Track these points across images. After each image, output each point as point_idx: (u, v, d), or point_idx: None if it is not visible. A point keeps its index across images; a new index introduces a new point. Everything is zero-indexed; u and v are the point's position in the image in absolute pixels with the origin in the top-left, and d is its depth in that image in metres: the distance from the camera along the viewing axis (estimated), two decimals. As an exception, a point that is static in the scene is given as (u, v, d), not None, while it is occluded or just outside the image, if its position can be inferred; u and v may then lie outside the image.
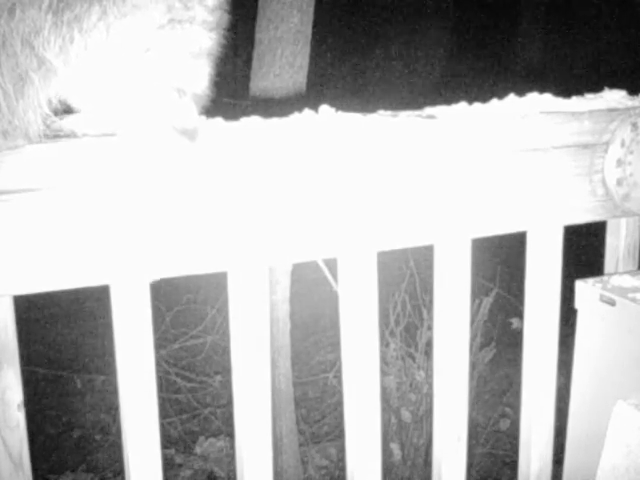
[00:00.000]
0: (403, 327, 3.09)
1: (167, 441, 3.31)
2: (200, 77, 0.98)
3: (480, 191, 1.25)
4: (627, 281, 1.33)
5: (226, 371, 3.35)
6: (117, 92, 0.97)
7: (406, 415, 2.97)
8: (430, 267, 1.31)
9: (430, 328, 2.83)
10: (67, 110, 1.00)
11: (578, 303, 1.35)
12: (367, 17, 8.60)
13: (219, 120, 1.08)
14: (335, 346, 3.61)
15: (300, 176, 1.12)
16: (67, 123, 1.00)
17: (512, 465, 2.98)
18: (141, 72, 0.95)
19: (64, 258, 0.99)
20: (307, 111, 1.18)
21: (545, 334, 1.38)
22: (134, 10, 0.92)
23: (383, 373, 2.93)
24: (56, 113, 0.98)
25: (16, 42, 0.88)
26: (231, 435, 3.00)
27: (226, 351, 1.22)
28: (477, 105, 1.30)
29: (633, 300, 1.25)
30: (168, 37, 0.95)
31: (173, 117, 0.96)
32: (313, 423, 3.60)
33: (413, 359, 3.03)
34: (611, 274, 1.39)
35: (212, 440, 3.35)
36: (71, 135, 0.99)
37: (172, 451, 3.31)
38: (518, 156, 1.26)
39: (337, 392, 3.54)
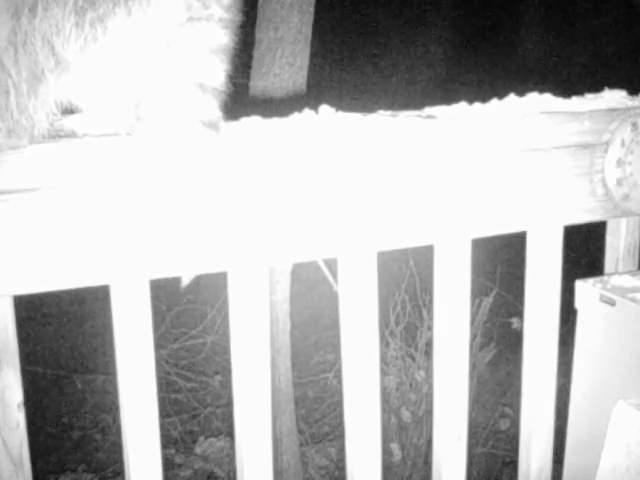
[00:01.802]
0: (403, 327, 3.09)
1: (167, 441, 3.31)
2: (218, 72, 1.01)
3: (480, 191, 1.25)
4: (627, 281, 1.33)
5: (226, 371, 3.35)
6: (137, 89, 0.99)
7: (406, 415, 2.97)
8: (430, 267, 1.31)
9: (430, 328, 2.83)
10: (69, 110, 1.00)
11: (578, 303, 1.35)
12: (367, 17, 8.60)
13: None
14: (335, 346, 3.61)
15: (300, 176, 1.12)
16: (68, 123, 1.00)
17: (512, 465, 2.98)
18: (164, 69, 0.98)
19: (64, 258, 0.99)
20: (307, 111, 1.18)
21: (545, 334, 1.38)
22: (157, 10, 0.95)
23: (383, 373, 2.93)
24: (60, 112, 0.98)
25: (36, 41, 0.89)
26: (231, 435, 3.00)
27: (226, 351, 1.22)
28: (477, 105, 1.30)
29: (633, 300, 1.25)
30: (188, 34, 0.98)
31: (198, 111, 0.99)
32: (313, 423, 3.61)
33: (413, 359, 3.03)
34: (611, 274, 1.39)
35: (212, 440, 3.35)
36: (71, 135, 1.00)
37: (172, 451, 3.31)
38: (518, 156, 1.26)
39: (337, 392, 3.54)
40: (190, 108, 0.98)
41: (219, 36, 1.00)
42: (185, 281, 1.11)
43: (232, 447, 3.02)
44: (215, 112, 1.01)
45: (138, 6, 0.94)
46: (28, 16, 0.88)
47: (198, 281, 1.13)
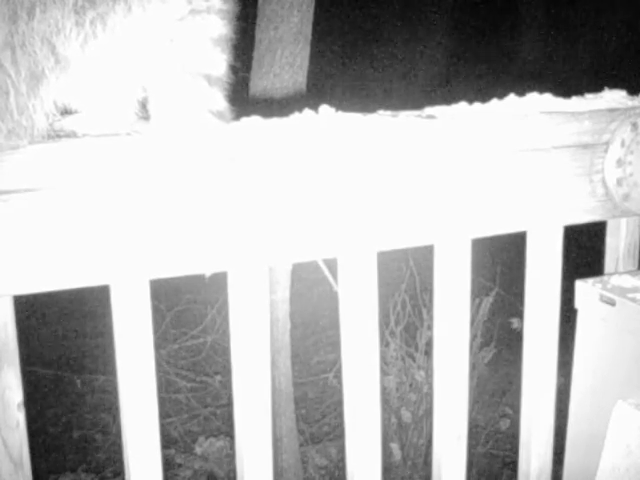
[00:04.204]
0: (403, 327, 3.09)
1: (167, 441, 3.31)
2: (220, 63, 1.02)
3: (480, 191, 1.25)
4: (627, 281, 1.33)
5: (226, 371, 3.35)
6: (140, 86, 1.00)
7: (406, 415, 2.97)
8: (430, 267, 1.31)
9: (430, 328, 2.83)
10: (68, 111, 1.00)
11: (578, 303, 1.35)
12: (367, 17, 8.60)
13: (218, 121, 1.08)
14: (335, 346, 3.61)
15: (300, 176, 1.12)
16: (68, 123, 1.00)
17: (512, 465, 2.98)
18: (170, 63, 0.99)
19: (64, 258, 0.99)
20: (307, 111, 1.18)
21: (545, 334, 1.38)
22: (158, 4, 0.95)
23: (383, 373, 2.93)
24: (60, 113, 0.98)
25: (35, 41, 0.90)
26: (231, 435, 3.00)
27: (226, 351, 1.22)
28: (477, 105, 1.30)
29: (633, 300, 1.25)
30: (190, 27, 0.99)
31: (207, 102, 1.00)
32: (313, 423, 3.60)
33: (413, 359, 3.03)
34: (611, 274, 1.39)
35: (212, 440, 3.35)
36: (72, 135, 1.00)
37: (172, 451, 3.31)
38: (518, 156, 1.26)
39: (337, 392, 3.54)
40: (199, 100, 1.00)
41: (219, 27, 1.01)
42: (208, 273, 1.12)
43: (232, 447, 3.02)
44: (222, 102, 1.02)
45: (138, 3, 0.94)
46: (25, 19, 0.88)
47: (198, 281, 1.14)
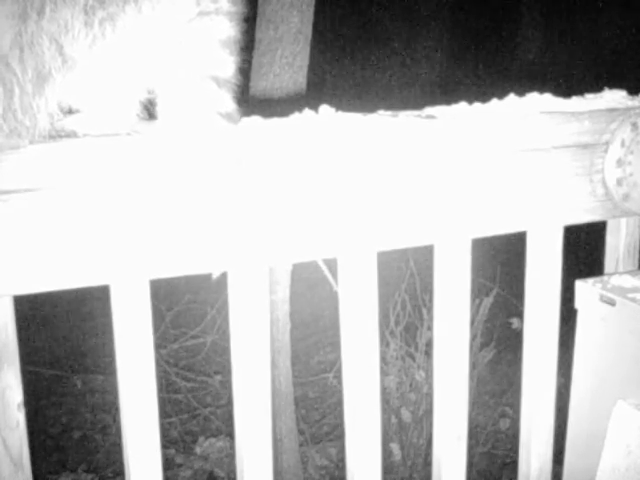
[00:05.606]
0: (403, 327, 3.09)
1: (167, 441, 3.31)
2: (228, 64, 1.03)
3: (480, 191, 1.25)
4: (627, 281, 1.33)
5: (226, 371, 3.35)
6: (146, 87, 1.00)
7: (406, 415, 2.97)
8: (430, 267, 1.31)
9: (430, 328, 2.83)
10: (71, 111, 1.00)
11: (578, 303, 1.35)
12: (367, 17, 8.60)
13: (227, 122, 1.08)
14: (335, 346, 3.61)
15: (300, 176, 1.12)
16: (69, 123, 1.00)
17: (512, 465, 2.98)
18: (178, 64, 0.99)
19: (64, 258, 0.99)
20: (307, 111, 1.18)
21: (545, 334, 1.38)
22: (167, 6, 0.96)
23: (383, 373, 2.93)
24: (63, 113, 0.99)
25: (44, 41, 0.90)
26: (231, 435, 3.00)
27: (226, 351, 1.22)
28: (477, 105, 1.30)
29: (633, 300, 1.25)
30: (198, 29, 0.99)
31: (216, 103, 1.01)
32: (313, 423, 3.61)
33: (413, 359, 3.03)
34: (611, 274, 1.39)
35: (212, 440, 3.35)
36: (72, 135, 1.00)
37: (172, 451, 3.31)
38: (518, 156, 1.26)
39: (337, 392, 3.54)
40: (208, 101, 1.00)
41: (227, 28, 1.02)
42: (215, 274, 1.12)
43: (232, 447, 3.02)
44: (230, 104, 1.03)
45: (148, 4, 0.94)
46: (35, 18, 0.89)
47: (198, 281, 1.14)
